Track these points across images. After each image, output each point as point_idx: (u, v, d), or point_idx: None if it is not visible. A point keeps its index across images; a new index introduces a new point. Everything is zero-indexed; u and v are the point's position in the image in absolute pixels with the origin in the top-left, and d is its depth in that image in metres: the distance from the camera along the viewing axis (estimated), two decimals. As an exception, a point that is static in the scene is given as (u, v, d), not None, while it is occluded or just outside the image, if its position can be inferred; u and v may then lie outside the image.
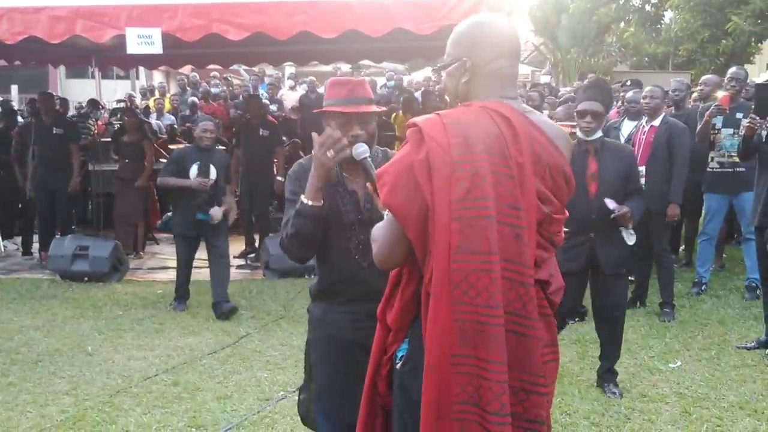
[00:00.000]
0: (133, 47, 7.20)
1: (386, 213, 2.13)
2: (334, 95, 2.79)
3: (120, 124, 10.31)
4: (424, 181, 2.02)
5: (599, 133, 4.79)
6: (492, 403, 1.98)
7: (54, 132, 9.04)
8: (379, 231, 2.16)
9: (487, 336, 1.98)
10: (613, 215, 4.58)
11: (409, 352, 2.21)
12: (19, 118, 11.10)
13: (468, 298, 1.98)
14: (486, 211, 2.00)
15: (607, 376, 4.91)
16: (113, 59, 11.89)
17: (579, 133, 4.76)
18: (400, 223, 2.05)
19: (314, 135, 2.71)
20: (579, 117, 4.77)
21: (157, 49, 7.18)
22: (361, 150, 2.67)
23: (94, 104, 12.27)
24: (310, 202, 2.66)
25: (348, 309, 2.81)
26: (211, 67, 14.35)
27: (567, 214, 2.24)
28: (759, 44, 16.80)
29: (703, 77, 8.50)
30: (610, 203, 4.62)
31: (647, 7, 20.08)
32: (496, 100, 2.17)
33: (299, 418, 3.19)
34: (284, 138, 11.76)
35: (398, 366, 2.23)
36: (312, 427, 3.08)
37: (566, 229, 4.44)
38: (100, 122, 11.85)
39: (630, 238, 4.68)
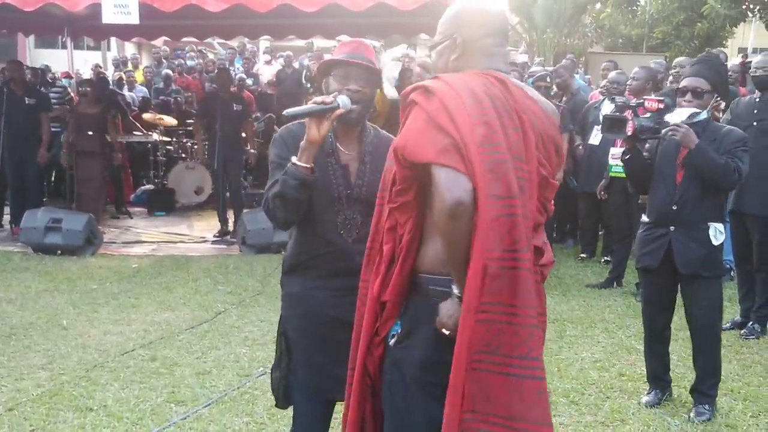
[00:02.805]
0: (109, 16, 7.09)
1: (438, 168, 2.00)
2: (339, 51, 2.77)
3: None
4: (447, 124, 2.01)
5: (704, 115, 4.17)
6: (518, 348, 1.99)
7: (26, 102, 8.86)
8: (434, 191, 2.00)
9: (512, 280, 1.99)
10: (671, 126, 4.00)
11: (404, 330, 2.20)
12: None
13: (493, 245, 1.96)
14: (504, 156, 2.01)
15: (696, 396, 4.35)
16: (86, 29, 11.67)
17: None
18: (443, 163, 1.98)
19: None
20: (680, 95, 4.23)
21: (133, 19, 7.07)
22: (343, 101, 2.61)
23: (35, 73, 11.77)
24: (299, 163, 2.59)
25: (327, 284, 2.76)
26: (186, 39, 14.14)
27: (558, 183, 2.28)
28: (733, 28, 16.94)
29: (677, 59, 8.49)
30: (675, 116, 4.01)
31: (624, -11, 20.14)
32: (487, 71, 2.19)
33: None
34: (259, 114, 11.72)
35: (392, 342, 2.21)
36: (283, 407, 3.03)
37: (647, 220, 4.33)
38: (72, 93, 11.62)
39: (718, 237, 4.13)
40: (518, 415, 1.99)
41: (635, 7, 19.94)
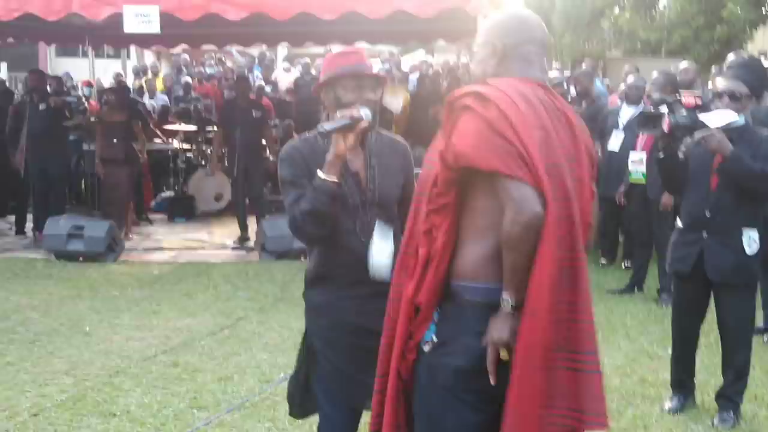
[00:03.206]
0: (131, 26, 7.13)
1: (508, 180, 2.02)
2: (343, 63, 2.77)
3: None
4: (509, 132, 2.04)
5: (741, 120, 4.02)
6: (585, 343, 2.07)
7: (40, 109, 8.94)
8: (507, 203, 2.04)
9: (574, 279, 2.06)
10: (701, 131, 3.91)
11: (438, 338, 2.20)
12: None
13: (555, 245, 2.02)
14: (559, 159, 2.07)
15: (720, 402, 4.29)
16: (106, 38, 11.78)
17: None
18: (512, 174, 2.02)
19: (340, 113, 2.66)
20: (716, 98, 4.13)
21: (154, 28, 7.12)
22: (366, 113, 2.65)
23: (59, 82, 11.93)
24: (329, 177, 2.62)
25: (351, 293, 2.78)
26: (205, 47, 14.22)
27: (595, 191, 2.31)
28: (753, 31, 16.82)
29: (681, 65, 8.34)
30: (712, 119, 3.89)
31: (642, -8, 20.07)
32: (527, 78, 2.23)
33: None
34: (277, 121, 11.78)
35: (426, 348, 2.21)
36: (297, 415, 3.07)
37: (680, 224, 4.28)
38: (93, 101, 11.73)
39: (751, 245, 4.04)
40: (587, 408, 2.07)
41: (654, 11, 19.85)
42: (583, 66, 10.79)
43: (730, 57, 7.44)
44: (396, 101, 2.69)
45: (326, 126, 2.61)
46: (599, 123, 7.66)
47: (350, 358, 2.77)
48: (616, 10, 21.24)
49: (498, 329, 2.08)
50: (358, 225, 2.77)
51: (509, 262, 2.06)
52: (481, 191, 2.11)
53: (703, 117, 4.05)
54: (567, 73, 11.04)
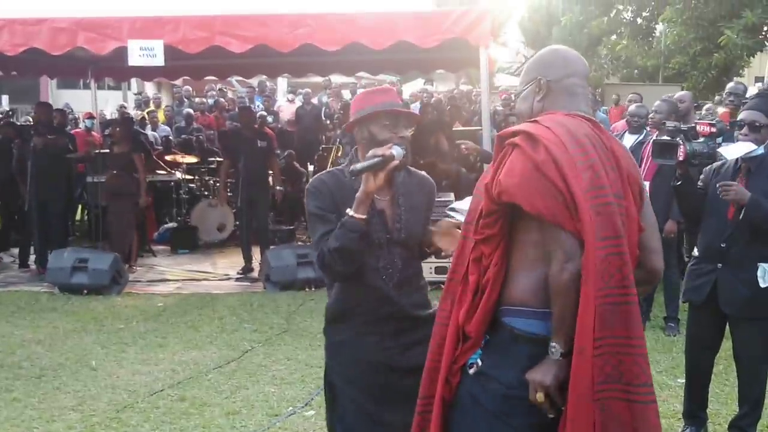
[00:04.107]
0: (135, 59, 7.20)
1: (554, 227, 2.10)
2: (377, 101, 2.79)
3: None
4: (555, 176, 2.10)
5: (760, 150, 4.00)
6: (639, 376, 2.11)
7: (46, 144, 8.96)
8: (557, 250, 2.12)
9: (625, 314, 2.09)
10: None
11: (487, 364, 2.23)
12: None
13: (603, 283, 2.06)
14: (609, 198, 2.11)
15: (733, 431, 4.29)
16: (109, 70, 11.83)
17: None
18: (556, 223, 2.10)
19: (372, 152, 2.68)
20: (737, 128, 4.12)
21: (158, 61, 7.19)
22: (398, 151, 2.69)
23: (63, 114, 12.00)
24: (357, 215, 2.64)
25: (372, 330, 2.79)
26: (206, 78, 14.28)
27: (644, 226, 2.33)
28: (750, 58, 16.90)
29: (678, 94, 8.29)
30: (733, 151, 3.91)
31: (639, 20, 20.20)
32: (572, 112, 2.27)
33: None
34: (279, 151, 11.82)
35: (471, 371, 2.24)
36: None
37: (695, 254, 4.27)
38: (95, 133, 11.77)
39: (766, 279, 3.97)
40: None
41: (651, 38, 19.97)
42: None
43: (729, 85, 7.47)
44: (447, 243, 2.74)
45: (357, 166, 2.64)
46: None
47: (370, 395, 2.77)
48: (614, 37, 21.39)
49: (542, 372, 2.12)
50: (381, 263, 2.78)
51: (558, 310, 2.10)
52: (531, 225, 2.16)
53: (722, 150, 4.06)
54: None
